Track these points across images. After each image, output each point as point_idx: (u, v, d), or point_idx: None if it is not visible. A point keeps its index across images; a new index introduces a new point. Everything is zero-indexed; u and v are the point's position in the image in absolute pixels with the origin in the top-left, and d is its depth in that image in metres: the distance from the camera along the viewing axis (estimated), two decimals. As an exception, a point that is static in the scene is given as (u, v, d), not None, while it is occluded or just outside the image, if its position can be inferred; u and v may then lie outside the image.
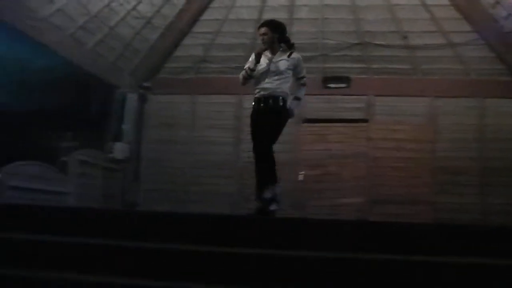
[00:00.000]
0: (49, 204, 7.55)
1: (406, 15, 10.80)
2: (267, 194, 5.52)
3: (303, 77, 5.73)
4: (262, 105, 5.47)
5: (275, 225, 3.99)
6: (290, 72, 5.54)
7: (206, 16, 11.38)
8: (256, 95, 5.50)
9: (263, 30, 5.54)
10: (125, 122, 11.59)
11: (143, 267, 3.24)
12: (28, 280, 3.12)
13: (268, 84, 5.44)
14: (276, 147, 11.28)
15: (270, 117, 5.46)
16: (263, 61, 5.47)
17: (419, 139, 11.01)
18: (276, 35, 5.54)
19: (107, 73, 11.09)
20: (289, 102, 5.59)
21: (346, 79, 11.42)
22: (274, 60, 5.48)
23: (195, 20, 11.40)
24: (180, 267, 3.23)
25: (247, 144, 11.11)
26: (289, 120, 11.24)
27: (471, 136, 10.92)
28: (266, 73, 5.44)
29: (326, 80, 11.44)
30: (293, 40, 11.11)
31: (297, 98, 5.75)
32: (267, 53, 5.50)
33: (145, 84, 11.84)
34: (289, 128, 11.19)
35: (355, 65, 11.49)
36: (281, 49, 5.56)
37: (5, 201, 7.39)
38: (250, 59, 5.55)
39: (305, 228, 3.89)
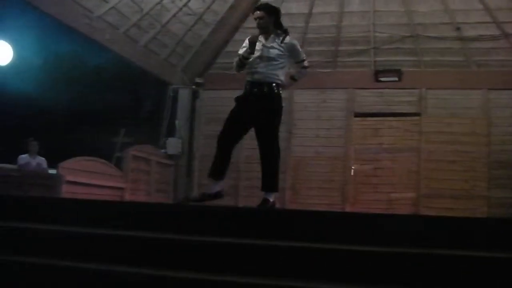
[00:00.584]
0: (106, 200, 7.68)
1: (459, 6, 10.52)
2: (268, 196, 5.22)
3: (302, 60, 5.42)
4: (255, 90, 5.18)
5: (326, 219, 3.94)
6: (285, 59, 5.27)
7: (254, 11, 11.35)
8: (249, 79, 5.23)
9: (259, 13, 5.25)
10: (177, 118, 11.71)
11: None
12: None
13: (262, 69, 5.17)
14: (327, 141, 11.24)
15: (265, 106, 5.19)
16: (258, 45, 5.22)
17: (473, 133, 10.73)
18: (272, 19, 5.29)
19: (160, 69, 11.24)
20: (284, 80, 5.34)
21: (398, 72, 11.24)
22: (267, 45, 5.22)
23: (246, 15, 11.38)
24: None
25: (299, 139, 11.32)
26: (340, 114, 11.19)
27: (527, 128, 10.57)
28: (260, 58, 5.19)
29: (378, 73, 11.30)
30: (344, 33, 11.18)
31: (292, 78, 5.54)
32: (261, 38, 5.25)
33: (197, 80, 11.92)
34: (341, 122, 11.33)
35: (407, 58, 11.29)
36: (273, 34, 5.28)
37: (63, 196, 7.58)
38: (244, 44, 5.29)
39: (358, 223, 3.83)
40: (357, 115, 11.32)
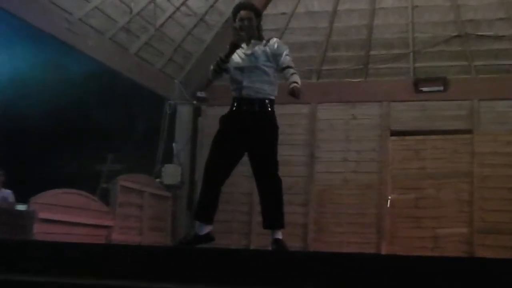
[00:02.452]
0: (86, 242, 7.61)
1: (518, -2, 10.46)
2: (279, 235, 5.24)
3: (287, 67, 5.20)
4: (245, 108, 5.13)
5: (358, 263, 3.82)
6: (273, 67, 5.21)
7: (269, 10, 11.33)
8: (235, 95, 5.17)
9: (245, 13, 5.17)
10: (176, 140, 11.72)
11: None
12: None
13: (248, 82, 5.13)
14: (358, 166, 11.19)
15: (259, 127, 5.18)
16: (239, 53, 5.18)
17: (540, 152, 10.62)
18: (258, 21, 5.26)
19: (154, 82, 11.24)
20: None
21: (443, 81, 11.17)
22: (247, 52, 5.19)
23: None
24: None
25: (324, 164, 11.23)
26: (373, 133, 11.15)
27: None
28: (240, 70, 5.16)
29: (418, 82, 11.24)
30: (376, 35, 11.15)
31: (293, 94, 5.15)
32: (242, 45, 5.21)
33: (199, 94, 11.88)
34: (374, 143, 11.26)
35: (454, 63, 11.24)
36: (253, 40, 5.24)
37: (36, 237, 7.51)
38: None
39: (396, 267, 3.71)
40: (394, 133, 11.25)
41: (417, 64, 11.34)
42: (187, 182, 11.67)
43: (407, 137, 11.20)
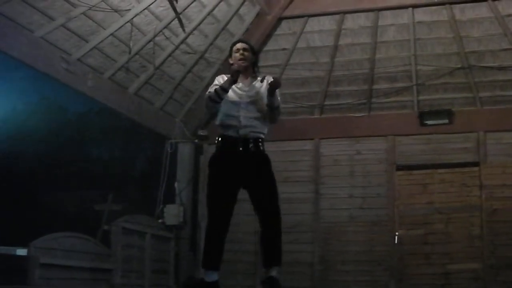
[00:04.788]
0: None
1: (522, 28, 10.47)
2: (275, 273, 5.15)
3: (277, 107, 5.22)
4: (240, 148, 5.10)
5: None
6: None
7: (270, 46, 11.40)
8: (230, 134, 5.11)
9: (242, 45, 5.32)
10: (178, 180, 11.65)
11: None
12: None
13: (245, 120, 5.12)
14: (364, 202, 11.10)
15: (258, 166, 5.19)
16: (233, 88, 5.15)
17: (550, 185, 10.55)
18: (253, 58, 5.35)
19: (154, 120, 11.22)
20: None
21: (448, 113, 11.16)
22: (245, 88, 5.21)
23: (257, 51, 11.38)
24: None
25: (329, 201, 11.15)
26: (379, 168, 11.13)
27: None
28: (240, 104, 5.14)
29: (423, 115, 11.22)
30: (379, 68, 11.15)
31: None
32: (241, 76, 5.20)
33: (201, 133, 11.86)
34: (380, 178, 11.21)
35: (459, 95, 11.24)
36: (250, 77, 5.29)
37: (37, 283, 7.40)
38: (216, 82, 5.21)
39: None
40: (400, 168, 11.19)
41: (421, 97, 11.32)
42: (190, 223, 11.60)
43: (414, 171, 11.13)
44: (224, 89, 5.03)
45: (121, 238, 9.79)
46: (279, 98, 5.20)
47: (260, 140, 5.20)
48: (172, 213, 11.25)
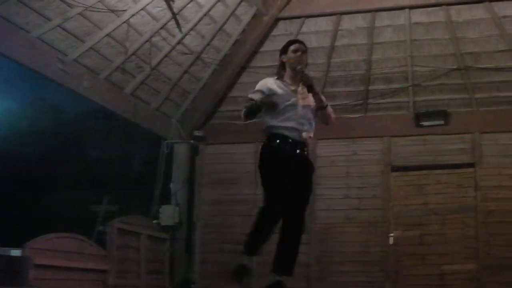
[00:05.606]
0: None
1: (518, 29, 10.48)
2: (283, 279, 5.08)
3: (327, 106, 5.30)
4: (298, 151, 5.09)
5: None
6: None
7: (266, 47, 11.39)
8: (292, 135, 5.06)
9: (302, 47, 5.26)
10: (173, 180, 11.63)
11: None
12: None
13: (306, 125, 5.13)
14: (360, 203, 11.09)
15: (307, 171, 5.19)
16: (286, 89, 5.13)
17: (545, 186, 10.56)
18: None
19: (151, 121, 11.21)
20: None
21: (444, 115, 11.17)
22: (300, 90, 5.14)
23: (254, 52, 11.40)
24: None
25: (325, 202, 11.13)
26: (375, 169, 11.14)
27: None
28: (297, 107, 5.08)
29: (419, 117, 11.22)
30: (375, 69, 11.16)
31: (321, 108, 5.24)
32: (288, 80, 5.20)
33: (197, 133, 11.87)
34: (376, 179, 11.20)
35: (455, 96, 11.24)
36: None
37: (31, 284, 7.38)
38: (261, 86, 5.17)
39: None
40: (396, 169, 11.20)
41: (417, 98, 11.32)
42: (185, 223, 11.57)
43: (409, 172, 11.14)
44: (273, 103, 5.00)
45: (116, 238, 9.78)
46: (323, 97, 5.22)
47: (309, 145, 5.22)
48: (168, 214, 11.24)
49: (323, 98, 5.20)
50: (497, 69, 10.75)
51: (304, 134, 5.11)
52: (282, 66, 5.29)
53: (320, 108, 5.18)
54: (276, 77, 5.24)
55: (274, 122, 5.09)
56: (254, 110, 5.01)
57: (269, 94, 5.04)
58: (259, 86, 5.19)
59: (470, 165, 10.96)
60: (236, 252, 11.15)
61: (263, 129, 5.19)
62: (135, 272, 10.31)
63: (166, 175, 11.52)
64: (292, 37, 11.12)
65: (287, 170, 5.00)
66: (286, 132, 5.06)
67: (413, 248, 10.79)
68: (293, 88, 5.15)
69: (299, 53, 5.19)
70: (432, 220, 10.86)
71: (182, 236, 11.56)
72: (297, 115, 5.08)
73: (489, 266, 10.37)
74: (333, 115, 5.32)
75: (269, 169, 5.13)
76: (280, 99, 5.04)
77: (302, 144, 5.11)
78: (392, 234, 10.88)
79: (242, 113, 5.11)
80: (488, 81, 10.95)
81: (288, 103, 5.06)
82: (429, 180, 11.04)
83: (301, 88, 5.14)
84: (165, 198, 11.46)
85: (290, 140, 5.07)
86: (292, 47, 5.25)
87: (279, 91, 5.08)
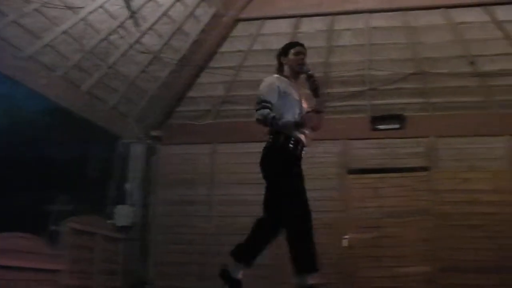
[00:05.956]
0: None
1: (475, 35, 10.61)
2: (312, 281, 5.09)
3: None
4: (303, 153, 5.29)
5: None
6: None
7: (225, 47, 11.36)
8: (297, 135, 5.19)
9: (303, 49, 5.45)
10: (129, 180, 11.53)
11: None
12: None
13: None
14: (316, 205, 11.10)
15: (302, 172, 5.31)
16: (291, 90, 5.24)
17: (497, 189, 10.70)
18: None
19: (107, 120, 11.07)
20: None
21: (400, 118, 11.27)
22: (301, 93, 5.34)
23: (213, 52, 11.37)
24: None
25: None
26: (331, 171, 11.16)
27: None
28: (301, 107, 5.26)
29: (376, 120, 11.30)
30: (333, 73, 11.20)
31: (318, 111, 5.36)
32: (292, 80, 5.34)
33: (154, 133, 11.81)
34: (332, 181, 11.24)
35: (411, 100, 11.33)
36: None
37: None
38: (271, 86, 5.22)
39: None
40: (352, 172, 11.27)
41: (374, 102, 11.40)
42: (140, 223, 11.47)
43: (366, 175, 11.20)
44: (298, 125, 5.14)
45: (70, 238, 9.66)
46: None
47: None
48: (123, 214, 11.13)
49: (324, 102, 5.37)
50: (453, 75, 10.88)
51: (306, 133, 5.24)
52: (281, 67, 5.41)
53: (317, 111, 5.25)
54: (279, 76, 5.35)
55: (288, 120, 5.13)
56: (270, 125, 5.11)
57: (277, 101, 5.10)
58: (268, 93, 5.17)
59: (425, 168, 11.07)
60: (195, 252, 11.20)
61: (266, 120, 5.12)
62: (89, 272, 10.17)
63: (122, 175, 11.41)
64: (251, 39, 11.17)
65: (299, 169, 5.22)
66: (297, 134, 5.18)
67: (369, 250, 10.84)
68: (294, 89, 5.29)
69: (301, 56, 5.36)
70: (388, 223, 10.92)
71: (137, 236, 11.44)
72: (301, 115, 5.20)
73: (443, 268, 10.48)
74: (323, 122, 5.40)
75: (295, 171, 5.21)
76: (290, 98, 5.17)
77: (303, 143, 5.25)
78: (346, 237, 10.92)
79: (257, 116, 5.13)
80: (444, 86, 11.07)
81: (293, 102, 5.19)
82: (385, 183, 11.10)
83: (299, 90, 5.31)
84: (121, 198, 11.35)
85: (301, 141, 5.21)
86: (293, 50, 5.40)
87: (288, 90, 5.21)
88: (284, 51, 5.44)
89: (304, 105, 5.31)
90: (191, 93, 11.79)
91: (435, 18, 10.59)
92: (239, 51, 11.39)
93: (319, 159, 11.30)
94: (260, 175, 10.84)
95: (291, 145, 5.14)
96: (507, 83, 10.81)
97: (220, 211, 11.48)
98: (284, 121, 5.05)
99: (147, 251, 11.51)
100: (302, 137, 5.19)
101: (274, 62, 11.16)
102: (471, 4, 10.46)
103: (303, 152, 5.25)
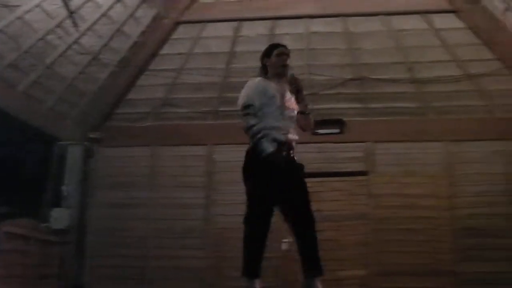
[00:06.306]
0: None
1: (413, 42, 10.80)
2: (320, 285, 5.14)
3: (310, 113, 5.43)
4: (285, 153, 5.13)
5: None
6: None
7: (166, 49, 11.28)
8: (278, 137, 5.08)
9: (286, 50, 5.40)
10: (66, 183, 11.32)
11: None
12: None
13: (291, 125, 5.22)
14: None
15: (298, 175, 5.28)
16: (274, 90, 5.20)
17: (433, 194, 10.89)
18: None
19: (44, 121, 10.86)
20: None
21: (339, 123, 11.35)
22: (285, 92, 5.26)
23: (153, 55, 11.28)
24: None
25: (222, 207, 11.12)
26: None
27: (499, 188, 10.79)
28: (284, 108, 5.17)
29: (316, 124, 11.19)
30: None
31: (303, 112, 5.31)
32: (274, 80, 5.30)
33: (93, 135, 11.63)
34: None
35: (350, 105, 11.44)
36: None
37: None
38: (248, 91, 5.23)
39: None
40: (292, 175, 11.22)
41: (314, 106, 11.40)
42: (77, 227, 11.28)
43: (305, 179, 11.20)
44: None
45: (3, 242, 9.44)
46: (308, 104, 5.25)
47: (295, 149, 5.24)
48: (59, 217, 10.91)
49: (307, 104, 5.24)
50: (392, 80, 11.03)
51: (290, 136, 5.15)
52: (264, 68, 5.36)
53: (302, 113, 5.23)
54: (263, 78, 5.32)
55: (262, 124, 5.08)
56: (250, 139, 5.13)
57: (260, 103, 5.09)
58: (248, 98, 5.18)
59: (364, 173, 11.18)
60: (129, 256, 11.08)
61: (248, 131, 5.16)
62: (24, 277, 9.96)
63: (58, 177, 11.22)
64: (192, 42, 11.12)
65: (279, 172, 5.01)
66: (273, 134, 5.06)
67: (306, 254, 10.87)
68: (278, 89, 5.22)
69: (284, 57, 5.31)
70: (326, 227, 10.93)
71: (74, 240, 11.24)
72: (284, 116, 5.14)
73: (380, 272, 10.60)
74: (312, 122, 5.39)
75: (257, 174, 5.09)
76: (270, 100, 5.13)
77: (289, 145, 5.14)
78: (285, 240, 10.94)
79: (244, 126, 5.18)
80: (383, 91, 11.20)
81: (276, 104, 5.13)
82: (324, 187, 11.13)
83: (286, 92, 5.24)
84: (57, 200, 11.14)
85: (280, 141, 5.08)
86: (276, 51, 5.34)
87: (270, 92, 5.17)
88: (267, 53, 5.40)
89: (292, 106, 5.23)
90: (131, 95, 11.66)
91: (374, 24, 10.72)
92: (180, 53, 11.33)
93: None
94: (197, 179, 10.84)
95: (264, 146, 5.09)
96: (444, 90, 11.00)
97: (160, 214, 11.38)
98: (261, 147, 5.02)
99: (84, 255, 11.33)
100: (283, 137, 5.11)
101: (215, 66, 11.27)
102: (409, 12, 10.64)
103: (284, 152, 5.12)
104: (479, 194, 10.73)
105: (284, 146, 5.10)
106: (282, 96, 5.21)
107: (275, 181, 4.99)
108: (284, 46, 5.46)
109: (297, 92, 5.16)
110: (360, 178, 11.15)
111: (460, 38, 10.64)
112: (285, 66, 5.30)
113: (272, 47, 5.46)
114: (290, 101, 5.24)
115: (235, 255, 10.94)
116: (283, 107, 5.17)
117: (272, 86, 5.22)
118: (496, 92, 10.95)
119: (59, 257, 11.00)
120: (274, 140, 5.04)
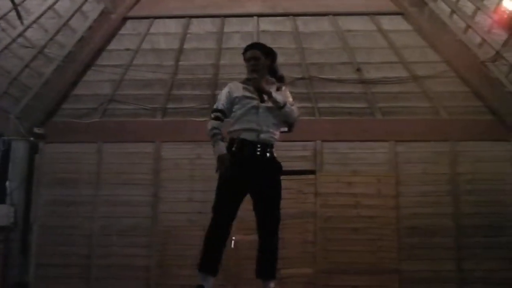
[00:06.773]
0: None
1: (360, 43, 10.92)
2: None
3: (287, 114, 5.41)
4: (258, 153, 5.12)
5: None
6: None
7: (113, 45, 11.17)
8: (248, 138, 5.10)
9: (253, 53, 5.34)
10: (10, 179, 11.13)
11: None
12: None
13: (266, 126, 5.17)
14: (202, 206, 11.04)
15: (271, 175, 5.23)
16: (246, 92, 5.21)
17: (379, 194, 11.01)
18: (268, 62, 5.40)
19: (-13, 116, 10.66)
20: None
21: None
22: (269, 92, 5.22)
23: (99, 50, 11.14)
24: None
25: (168, 205, 11.05)
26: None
27: (444, 188, 10.98)
28: (259, 109, 5.15)
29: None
30: (222, 74, 11.18)
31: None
32: (249, 84, 5.26)
33: (37, 130, 11.43)
34: (215, 184, 11.16)
35: (298, 105, 11.32)
36: (265, 81, 5.34)
37: None
38: (223, 95, 5.30)
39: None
40: (240, 174, 11.21)
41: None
42: (21, 224, 11.09)
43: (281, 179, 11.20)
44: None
45: None
46: (279, 99, 5.21)
47: (273, 146, 5.22)
48: (2, 214, 10.76)
49: (278, 99, 5.19)
50: (339, 80, 11.11)
51: (263, 135, 5.11)
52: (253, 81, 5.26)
53: (277, 109, 5.20)
54: (241, 81, 5.35)
55: (237, 124, 5.16)
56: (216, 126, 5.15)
57: (231, 106, 5.20)
58: (217, 102, 5.32)
59: (312, 172, 11.24)
60: (74, 254, 10.93)
61: (208, 133, 5.24)
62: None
63: (2, 173, 11.03)
64: (140, 38, 11.03)
65: (245, 174, 5.06)
66: (247, 135, 5.09)
67: (254, 252, 10.84)
68: (252, 90, 5.19)
69: (252, 61, 5.30)
70: (275, 225, 10.99)
71: (17, 237, 11.06)
72: (258, 117, 5.12)
73: (325, 270, 10.69)
74: (294, 115, 5.44)
75: (225, 177, 5.16)
76: (241, 100, 5.16)
77: (265, 146, 5.12)
78: (233, 238, 10.93)
79: (208, 131, 5.23)
80: (330, 91, 11.27)
81: (249, 105, 5.13)
82: (273, 186, 11.17)
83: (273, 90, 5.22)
84: (1, 197, 10.96)
85: (251, 143, 5.09)
86: (245, 56, 5.39)
87: (241, 94, 5.20)
88: (243, 55, 5.45)
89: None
90: (77, 91, 11.50)
91: (323, 24, 10.80)
92: (127, 49, 11.21)
93: (206, 161, 11.19)
94: (144, 176, 10.74)
95: (233, 149, 5.14)
96: (390, 91, 11.14)
97: (105, 212, 11.26)
98: (217, 148, 5.15)
99: (28, 253, 11.14)
100: (255, 136, 5.12)
101: (163, 62, 11.20)
102: (358, 13, 10.75)
103: (257, 152, 5.13)
104: (424, 194, 10.91)
105: (250, 146, 5.10)
106: (261, 96, 5.19)
107: (240, 174, 5.06)
108: (254, 47, 5.50)
109: (258, 91, 5.17)
110: (308, 177, 11.20)
111: (406, 40, 10.80)
112: (253, 71, 5.28)
113: (244, 50, 5.49)
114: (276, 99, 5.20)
115: (182, 253, 11.05)
116: (258, 107, 5.17)
117: (243, 88, 5.25)
118: (441, 94, 11.13)
119: (2, 255, 10.84)
120: (241, 141, 5.11)
